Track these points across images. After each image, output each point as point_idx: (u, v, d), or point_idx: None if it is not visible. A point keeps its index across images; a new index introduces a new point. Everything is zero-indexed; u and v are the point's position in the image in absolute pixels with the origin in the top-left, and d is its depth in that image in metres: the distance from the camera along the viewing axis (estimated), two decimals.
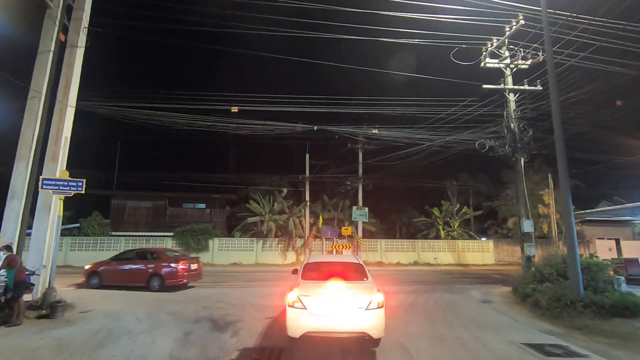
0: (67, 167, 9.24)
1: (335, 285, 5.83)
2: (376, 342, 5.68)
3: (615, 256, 21.11)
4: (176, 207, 28.40)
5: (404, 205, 40.30)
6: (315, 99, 17.52)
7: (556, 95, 9.47)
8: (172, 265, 12.16)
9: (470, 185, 31.55)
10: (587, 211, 19.53)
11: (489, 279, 16.81)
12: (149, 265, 12.29)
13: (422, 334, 6.87)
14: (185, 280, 12.41)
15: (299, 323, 5.52)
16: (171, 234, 24.19)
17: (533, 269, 11.77)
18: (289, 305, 5.66)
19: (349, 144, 24.95)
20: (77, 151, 10.53)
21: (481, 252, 27.15)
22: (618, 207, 19.19)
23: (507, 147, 13.20)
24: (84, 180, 8.78)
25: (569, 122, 16.39)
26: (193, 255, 23.27)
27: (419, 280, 16.00)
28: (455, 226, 29.36)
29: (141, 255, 12.99)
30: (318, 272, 6.57)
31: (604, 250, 23.25)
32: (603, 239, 25.91)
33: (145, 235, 24.42)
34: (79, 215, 24.38)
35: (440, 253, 26.61)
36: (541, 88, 13.39)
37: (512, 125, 13.07)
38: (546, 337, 6.80)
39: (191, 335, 6.67)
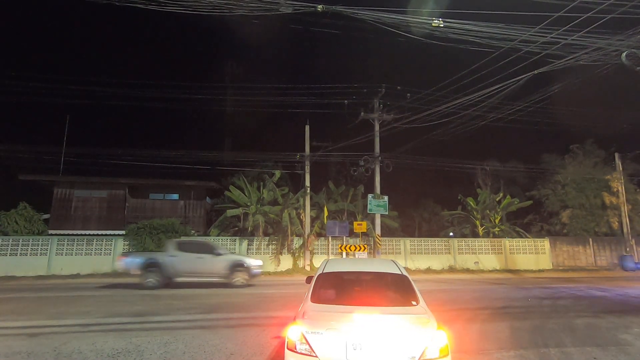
0: None
1: (366, 317, 3.44)
2: None
3: None
4: (140, 199, 22.16)
5: (424, 198, 34.23)
6: None
7: None
8: None
9: (513, 168, 25.11)
10: None
11: (595, 300, 10.56)
12: None
13: None
14: None
15: None
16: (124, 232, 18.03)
17: None
18: (288, 349, 3.37)
19: (362, 113, 18.85)
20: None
21: (535, 255, 20.86)
22: None
23: None
24: None
25: None
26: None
27: (485, 304, 9.69)
28: (497, 221, 23.05)
29: None
30: (338, 289, 4.21)
31: None
32: None
33: (90, 235, 18.29)
34: (4, 209, 18.30)
35: (481, 255, 20.35)
36: None
37: None
38: None
39: None
